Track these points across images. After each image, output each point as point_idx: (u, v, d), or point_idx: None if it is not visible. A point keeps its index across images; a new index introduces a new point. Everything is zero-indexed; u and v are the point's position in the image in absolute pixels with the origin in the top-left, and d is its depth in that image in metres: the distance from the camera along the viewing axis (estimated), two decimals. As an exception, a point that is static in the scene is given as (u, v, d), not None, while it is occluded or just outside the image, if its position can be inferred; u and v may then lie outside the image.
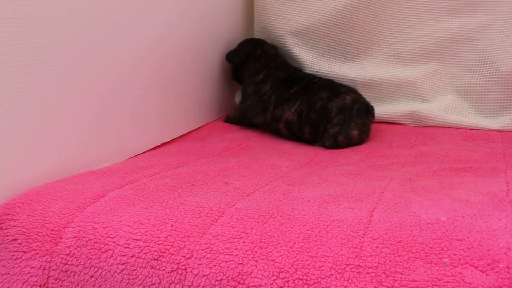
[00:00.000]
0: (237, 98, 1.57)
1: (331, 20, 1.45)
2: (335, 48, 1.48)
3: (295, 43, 1.48)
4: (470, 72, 1.40)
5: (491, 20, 1.40)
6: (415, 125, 1.41)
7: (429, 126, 1.39)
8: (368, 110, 1.27)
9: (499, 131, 1.33)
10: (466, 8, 1.42)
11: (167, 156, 1.11)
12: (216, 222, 0.74)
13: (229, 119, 1.49)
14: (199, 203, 0.80)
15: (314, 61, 1.46)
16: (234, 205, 0.80)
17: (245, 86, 1.44)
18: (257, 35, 1.54)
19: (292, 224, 0.73)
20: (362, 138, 1.25)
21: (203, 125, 1.43)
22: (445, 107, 1.38)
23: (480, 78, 1.38)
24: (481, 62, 1.39)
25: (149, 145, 1.17)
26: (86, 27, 0.95)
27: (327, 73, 1.46)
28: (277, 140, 1.31)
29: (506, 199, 0.82)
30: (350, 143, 1.24)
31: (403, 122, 1.41)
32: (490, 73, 1.37)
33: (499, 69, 1.35)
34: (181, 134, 1.30)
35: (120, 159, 1.08)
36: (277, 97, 1.31)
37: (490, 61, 1.38)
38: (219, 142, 1.26)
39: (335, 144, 1.23)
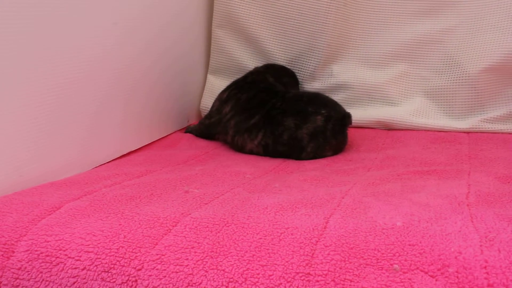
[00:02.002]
0: (203, 104, 1.55)
1: (302, 26, 1.45)
2: (307, 54, 1.47)
3: (264, 50, 1.48)
4: (438, 74, 1.40)
5: (457, 22, 1.40)
6: (384, 129, 1.41)
7: (398, 130, 1.39)
8: (343, 122, 1.19)
9: (467, 132, 1.34)
10: (433, 11, 1.42)
11: (131, 165, 1.10)
12: (169, 232, 0.73)
13: (190, 131, 1.44)
14: (154, 213, 0.79)
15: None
16: (189, 214, 0.79)
17: (216, 99, 1.37)
18: (218, 37, 1.52)
19: (245, 232, 0.72)
20: (337, 152, 1.21)
21: (172, 133, 1.42)
22: (414, 111, 1.38)
23: (448, 80, 1.38)
24: (449, 64, 1.39)
25: (113, 154, 1.16)
26: (36, 30, 0.94)
27: (299, 81, 1.45)
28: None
29: (465, 202, 0.82)
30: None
31: (372, 126, 1.41)
32: (457, 75, 1.37)
33: (466, 71, 1.36)
34: (147, 142, 1.28)
35: (84, 169, 1.07)
36: (236, 123, 1.22)
37: (457, 63, 1.38)
38: (187, 150, 1.25)
39: None
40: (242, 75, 1.38)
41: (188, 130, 1.44)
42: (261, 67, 1.41)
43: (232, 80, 1.40)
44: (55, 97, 0.99)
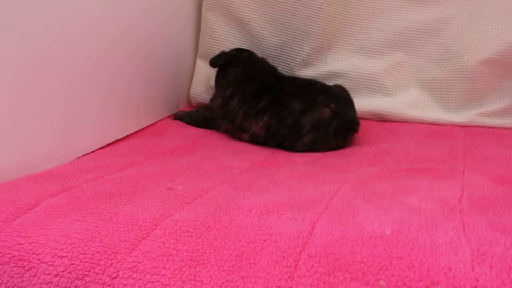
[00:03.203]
0: (192, 91, 1.51)
1: (295, 10, 1.40)
2: (299, 40, 1.43)
3: (255, 34, 1.43)
4: (435, 64, 1.36)
5: (456, 11, 1.36)
6: (378, 120, 1.37)
7: (392, 121, 1.35)
8: (349, 127, 1.14)
9: (463, 126, 1.30)
10: (432, -1, 1.38)
11: (115, 156, 1.07)
12: (148, 236, 0.70)
13: (180, 117, 1.39)
14: (134, 214, 0.76)
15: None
16: (170, 215, 0.75)
17: (214, 96, 1.33)
18: (208, 21, 1.48)
19: (227, 238, 0.69)
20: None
21: (160, 120, 1.38)
22: (409, 102, 1.34)
23: (445, 71, 1.34)
24: (446, 54, 1.35)
25: (96, 144, 1.12)
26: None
27: (291, 68, 1.41)
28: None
29: (457, 206, 0.79)
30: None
31: (366, 117, 1.37)
32: (454, 66, 1.33)
33: (463, 63, 1.32)
34: (133, 131, 1.24)
35: (65, 160, 1.03)
36: (244, 112, 1.19)
37: (454, 54, 1.34)
38: (174, 139, 1.22)
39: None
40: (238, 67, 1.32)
41: (177, 117, 1.40)
42: (243, 56, 1.34)
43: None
44: (32, 83, 0.95)
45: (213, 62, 1.34)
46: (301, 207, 0.79)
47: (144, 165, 1.02)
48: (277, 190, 0.87)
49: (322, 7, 1.39)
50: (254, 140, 1.19)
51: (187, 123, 1.36)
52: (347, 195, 0.85)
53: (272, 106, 1.15)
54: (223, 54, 1.34)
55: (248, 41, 1.46)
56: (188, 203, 0.81)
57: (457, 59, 1.33)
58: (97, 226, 0.72)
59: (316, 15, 1.39)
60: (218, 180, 0.93)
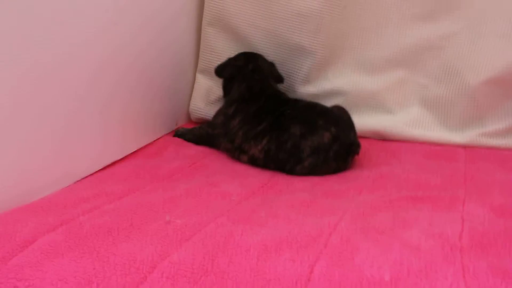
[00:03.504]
0: (192, 106, 1.50)
1: (295, 26, 1.39)
2: (300, 56, 1.41)
3: (255, 49, 1.42)
4: (437, 82, 1.35)
5: (458, 28, 1.34)
6: (379, 138, 1.36)
7: (393, 140, 1.34)
8: (349, 150, 1.14)
9: (464, 147, 1.29)
10: (433, 15, 1.36)
11: (113, 181, 1.06)
12: (145, 281, 0.70)
13: (180, 135, 1.38)
14: (131, 254, 0.75)
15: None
16: (168, 256, 0.75)
17: (217, 113, 1.32)
18: (208, 35, 1.47)
19: (224, 284, 0.68)
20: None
21: (158, 138, 1.36)
22: (410, 121, 1.33)
23: (447, 90, 1.33)
24: (448, 72, 1.34)
25: (94, 166, 1.10)
26: None
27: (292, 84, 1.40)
28: (234, 157, 1.26)
29: (457, 245, 0.79)
30: None
31: (366, 135, 1.36)
32: (456, 84, 1.32)
33: (466, 81, 1.30)
34: (132, 151, 1.23)
35: (63, 185, 1.02)
36: (244, 133, 1.18)
37: (457, 71, 1.32)
38: (173, 160, 1.21)
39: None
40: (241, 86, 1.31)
41: (177, 134, 1.39)
42: (248, 69, 1.32)
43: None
44: (23, 102, 0.92)
45: (218, 72, 1.35)
46: (300, 245, 0.79)
47: (142, 192, 1.01)
48: (276, 223, 0.87)
49: (323, 23, 1.37)
50: (254, 162, 1.18)
51: (188, 139, 1.35)
52: (347, 230, 0.84)
53: (272, 130, 1.15)
54: (229, 64, 1.34)
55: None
56: (186, 239, 0.80)
57: (459, 77, 1.31)
58: (94, 269, 0.72)
59: (316, 31, 1.37)
60: (216, 211, 0.92)
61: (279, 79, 1.36)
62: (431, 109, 1.35)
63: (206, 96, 1.49)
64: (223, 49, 1.46)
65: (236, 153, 1.21)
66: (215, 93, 1.48)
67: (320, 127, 1.11)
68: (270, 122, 1.16)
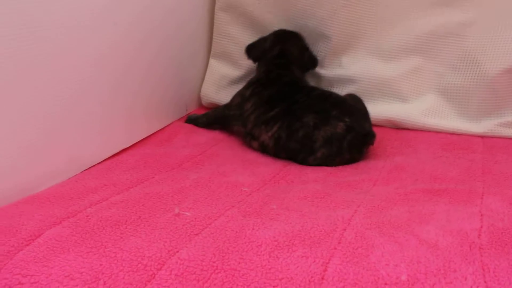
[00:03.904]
0: (204, 91, 1.47)
1: (310, 11, 1.35)
2: (314, 41, 1.38)
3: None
4: (454, 70, 1.30)
5: (477, 14, 1.29)
6: (393, 127, 1.33)
7: (408, 129, 1.30)
8: (364, 140, 1.10)
9: (481, 136, 1.25)
10: (451, 1, 1.31)
11: (122, 170, 1.04)
12: (153, 279, 0.68)
13: (193, 121, 1.36)
14: (139, 249, 0.73)
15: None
16: (177, 252, 0.73)
17: (236, 94, 1.29)
18: (221, 21, 1.43)
19: (235, 283, 0.66)
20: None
21: (168, 124, 1.34)
22: (426, 110, 1.29)
23: (464, 78, 1.29)
24: (466, 60, 1.29)
25: (102, 154, 1.08)
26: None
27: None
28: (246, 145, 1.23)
29: (477, 242, 0.76)
30: None
31: (381, 125, 1.32)
32: (475, 73, 1.27)
33: (484, 70, 1.26)
34: (141, 138, 1.20)
35: (71, 174, 1.00)
36: (256, 117, 1.16)
37: (475, 60, 1.28)
38: (183, 148, 1.18)
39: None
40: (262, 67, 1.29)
41: (190, 119, 1.36)
42: (273, 53, 1.30)
43: (237, 65, 1.39)
44: (28, 88, 0.90)
45: (247, 53, 1.35)
46: (313, 240, 0.76)
47: (151, 181, 0.99)
48: (288, 217, 0.84)
49: (339, 8, 1.33)
50: (264, 150, 1.16)
51: (201, 123, 1.33)
52: (361, 224, 0.81)
53: (284, 117, 1.12)
54: (256, 45, 1.34)
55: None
56: (196, 234, 0.78)
57: (477, 66, 1.27)
58: (101, 265, 0.70)
59: (332, 17, 1.34)
60: (227, 203, 0.90)
61: (308, 64, 1.33)
62: (448, 98, 1.31)
63: (218, 82, 1.46)
64: (237, 34, 1.44)
65: (248, 138, 1.19)
66: (228, 78, 1.46)
67: (334, 118, 1.08)
68: (283, 108, 1.13)
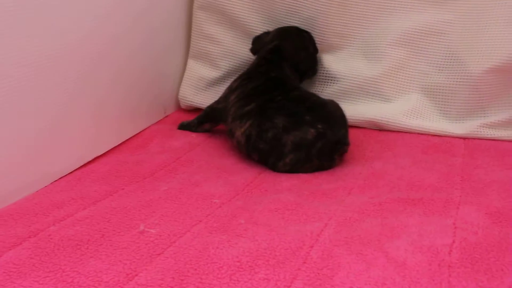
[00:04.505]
0: (182, 93, 1.44)
1: (292, 9, 1.32)
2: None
3: (250, 34, 1.35)
4: (438, 69, 1.27)
5: (461, 13, 1.26)
6: (375, 129, 1.30)
7: (389, 131, 1.28)
8: (335, 148, 1.06)
9: (463, 138, 1.23)
10: (437, -2, 1.28)
11: (92, 180, 1.02)
12: (107, 308, 0.66)
13: (185, 127, 1.32)
14: (97, 274, 0.71)
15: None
16: (136, 275, 0.71)
17: (228, 86, 1.26)
18: (199, 20, 1.40)
19: (191, 312, 0.64)
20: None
21: (146, 128, 1.31)
22: (408, 110, 1.26)
23: (448, 78, 1.25)
24: (450, 59, 1.26)
25: (72, 165, 1.05)
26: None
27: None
28: (223, 149, 1.20)
29: (446, 260, 0.75)
30: None
31: (362, 126, 1.30)
32: (458, 72, 1.24)
33: (468, 70, 1.23)
34: (115, 145, 1.17)
35: (41, 185, 0.98)
36: (235, 111, 1.13)
37: (459, 59, 1.24)
38: (158, 154, 1.16)
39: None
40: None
41: (182, 126, 1.32)
42: (271, 45, 1.26)
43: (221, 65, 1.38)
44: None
45: (252, 43, 1.33)
46: (277, 260, 0.74)
47: (120, 193, 0.97)
48: (255, 232, 0.82)
49: (321, 8, 1.30)
50: (240, 148, 1.13)
51: (194, 126, 1.30)
52: (329, 241, 0.80)
53: (257, 114, 1.09)
54: (259, 38, 1.32)
55: (243, 41, 1.38)
56: (158, 254, 0.76)
57: (461, 65, 1.23)
58: (55, 292, 0.68)
59: (314, 16, 1.30)
60: (195, 217, 0.88)
61: (303, 65, 1.28)
62: (431, 97, 1.28)
63: (196, 83, 1.42)
64: (216, 34, 1.40)
65: (229, 135, 1.16)
66: (207, 80, 1.42)
67: (306, 123, 1.05)
68: (258, 104, 1.10)
